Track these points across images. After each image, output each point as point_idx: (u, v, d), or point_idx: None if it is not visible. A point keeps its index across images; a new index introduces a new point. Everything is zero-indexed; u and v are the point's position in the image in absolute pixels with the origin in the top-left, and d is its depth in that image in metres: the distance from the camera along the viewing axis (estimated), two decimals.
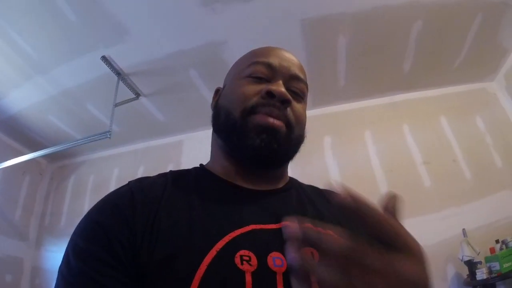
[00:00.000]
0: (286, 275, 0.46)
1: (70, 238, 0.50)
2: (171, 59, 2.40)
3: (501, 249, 2.07)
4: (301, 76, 0.67)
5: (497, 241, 2.12)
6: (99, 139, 2.52)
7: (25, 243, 3.20)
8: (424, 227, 2.34)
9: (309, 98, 2.87)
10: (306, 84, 0.68)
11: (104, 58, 2.36)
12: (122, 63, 2.44)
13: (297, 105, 0.64)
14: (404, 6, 2.16)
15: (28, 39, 2.24)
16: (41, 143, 3.20)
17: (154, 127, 3.15)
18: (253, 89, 0.61)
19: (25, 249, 3.17)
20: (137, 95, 2.71)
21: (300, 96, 0.66)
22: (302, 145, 0.66)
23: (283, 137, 0.59)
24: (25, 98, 2.74)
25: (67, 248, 0.49)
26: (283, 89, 0.60)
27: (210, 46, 2.34)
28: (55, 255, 3.06)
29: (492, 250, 2.12)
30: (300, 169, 2.67)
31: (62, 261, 0.48)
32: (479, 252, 2.08)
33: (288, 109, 0.61)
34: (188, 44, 2.30)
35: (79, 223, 0.52)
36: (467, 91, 2.89)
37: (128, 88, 2.62)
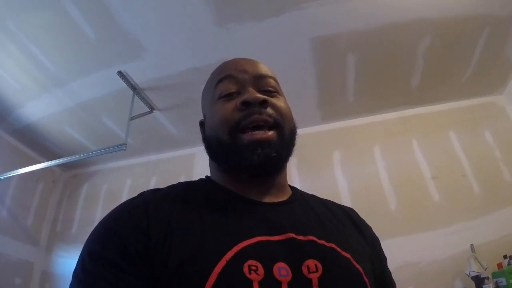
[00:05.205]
0: (291, 284, 0.49)
1: (85, 245, 0.53)
2: (185, 75, 2.45)
3: (508, 264, 2.07)
4: (265, 73, 0.69)
5: (505, 257, 2.12)
6: (115, 151, 2.56)
7: (36, 248, 3.22)
8: (433, 242, 2.35)
9: (319, 113, 2.87)
10: (273, 77, 0.70)
11: (120, 73, 2.42)
12: (138, 78, 2.50)
13: (274, 100, 0.66)
14: (412, 23, 2.19)
15: (47, 53, 2.30)
16: (56, 152, 3.25)
17: (167, 140, 3.19)
18: (229, 107, 0.64)
19: (35, 253, 3.19)
20: (152, 109, 2.76)
21: (273, 92, 0.68)
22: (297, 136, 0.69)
23: (277, 142, 0.62)
24: (42, 108, 2.79)
25: (82, 253, 0.51)
26: (255, 94, 0.63)
27: None
28: (65, 260, 3.09)
29: (500, 265, 2.12)
30: (310, 183, 2.72)
31: (77, 266, 0.51)
32: (487, 268, 2.08)
33: (268, 108, 0.64)
34: (202, 61, 2.34)
35: (94, 231, 0.55)
36: (476, 105, 2.88)
37: (143, 102, 2.67)
